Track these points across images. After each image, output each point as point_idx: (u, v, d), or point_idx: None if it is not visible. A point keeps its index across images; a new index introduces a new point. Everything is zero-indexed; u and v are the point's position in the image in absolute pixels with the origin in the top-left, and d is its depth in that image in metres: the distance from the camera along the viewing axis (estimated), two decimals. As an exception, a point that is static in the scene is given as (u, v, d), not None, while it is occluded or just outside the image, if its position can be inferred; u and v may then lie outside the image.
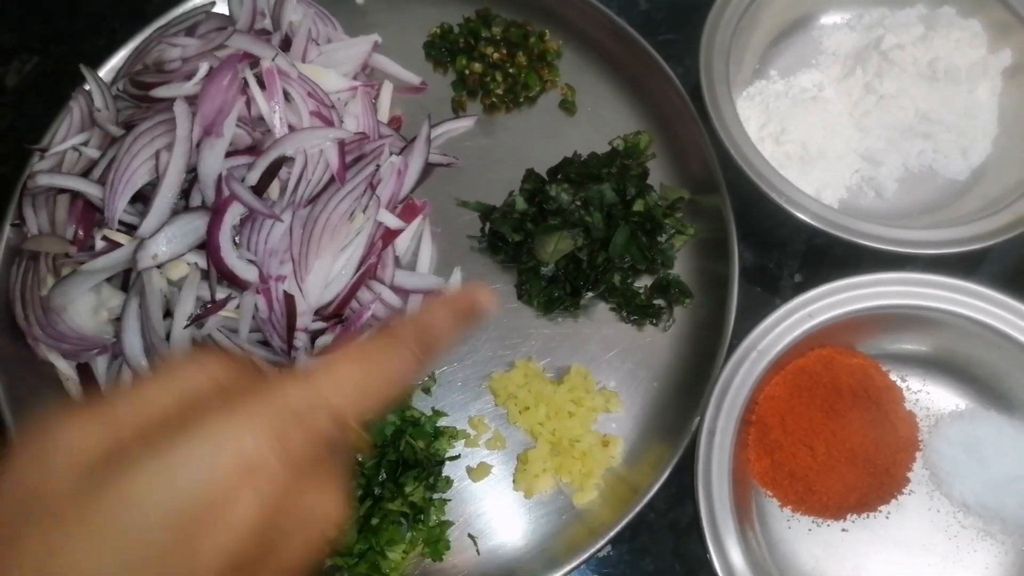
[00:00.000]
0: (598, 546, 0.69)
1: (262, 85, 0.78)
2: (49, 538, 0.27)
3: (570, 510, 0.75)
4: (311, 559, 0.32)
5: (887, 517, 0.72)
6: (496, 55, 0.91)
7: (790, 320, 0.72)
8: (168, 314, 0.74)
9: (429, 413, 0.77)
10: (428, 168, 0.86)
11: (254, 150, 0.77)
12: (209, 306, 0.73)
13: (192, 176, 0.75)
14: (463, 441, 0.77)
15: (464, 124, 0.90)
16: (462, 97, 0.91)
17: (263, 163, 0.75)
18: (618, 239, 0.79)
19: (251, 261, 0.74)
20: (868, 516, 0.72)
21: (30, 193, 0.79)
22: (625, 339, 0.81)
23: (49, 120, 0.84)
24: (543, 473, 0.75)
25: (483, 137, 0.90)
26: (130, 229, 0.74)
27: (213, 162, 0.74)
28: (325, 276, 0.77)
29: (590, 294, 0.81)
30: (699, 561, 0.68)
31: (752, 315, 0.73)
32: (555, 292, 0.80)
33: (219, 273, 0.73)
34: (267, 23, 0.86)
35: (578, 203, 0.81)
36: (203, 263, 0.74)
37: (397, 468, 0.72)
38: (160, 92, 0.78)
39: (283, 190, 0.77)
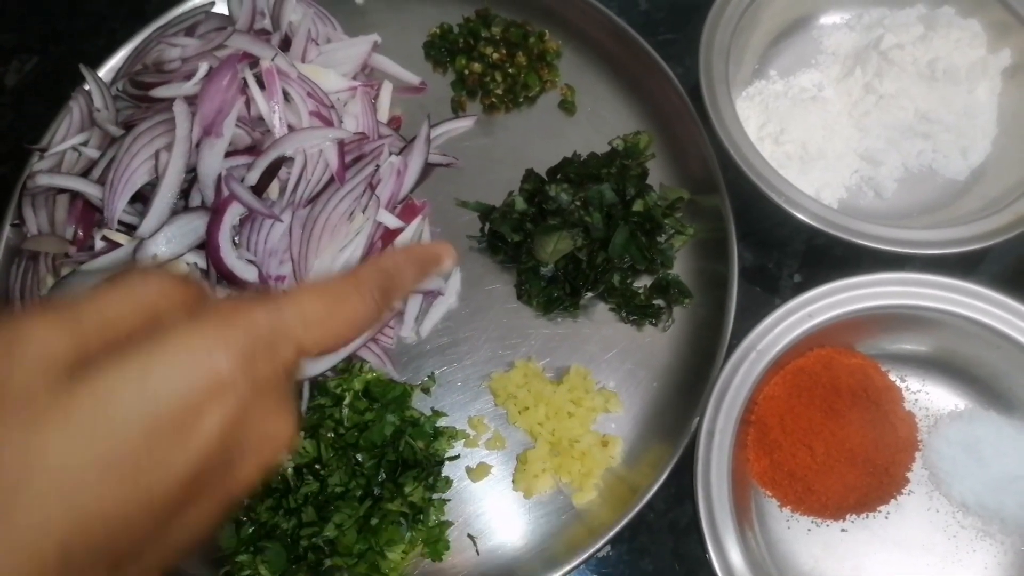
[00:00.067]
0: (597, 546, 0.69)
1: (262, 85, 0.78)
2: (23, 429, 0.27)
3: (569, 510, 0.75)
4: (261, 477, 0.34)
5: (886, 517, 0.72)
6: (496, 55, 0.91)
7: (789, 320, 0.72)
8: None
9: (429, 413, 0.77)
10: (428, 168, 0.86)
11: (254, 150, 0.77)
12: (209, 306, 0.73)
13: (192, 176, 0.75)
14: (462, 441, 0.77)
15: (464, 124, 0.90)
16: (462, 97, 0.91)
17: (263, 163, 0.75)
18: (617, 239, 0.79)
19: (251, 261, 0.74)
20: (867, 516, 0.72)
21: (30, 193, 0.79)
22: (624, 339, 0.81)
23: (49, 120, 0.84)
24: (542, 473, 0.75)
25: (483, 137, 0.90)
26: (130, 229, 0.74)
27: (213, 162, 0.74)
28: (325, 276, 0.77)
29: (589, 294, 0.81)
30: (698, 561, 0.68)
31: (752, 315, 0.73)
32: (554, 292, 0.80)
33: (219, 273, 0.73)
34: (267, 23, 0.86)
35: (578, 203, 0.81)
36: (203, 263, 0.74)
37: (397, 468, 0.72)
38: (160, 92, 0.78)
39: (282, 190, 0.77)
